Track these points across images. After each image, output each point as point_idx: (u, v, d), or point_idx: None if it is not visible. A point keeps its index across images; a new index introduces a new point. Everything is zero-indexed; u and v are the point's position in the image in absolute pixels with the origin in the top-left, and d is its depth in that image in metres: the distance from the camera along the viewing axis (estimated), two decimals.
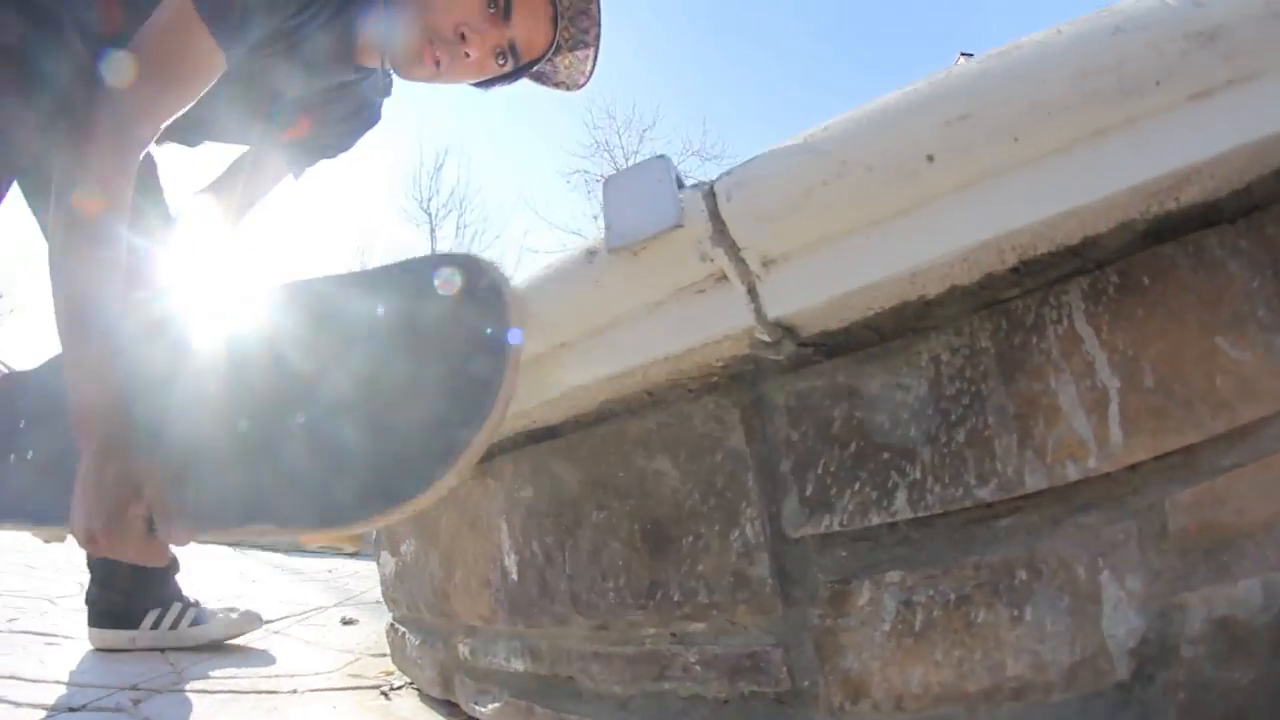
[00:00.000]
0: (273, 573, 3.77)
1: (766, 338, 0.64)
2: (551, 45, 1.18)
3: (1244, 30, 0.50)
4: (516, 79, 1.25)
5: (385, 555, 1.26)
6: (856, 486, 0.67)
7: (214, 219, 1.34)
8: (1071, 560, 0.59)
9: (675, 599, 0.73)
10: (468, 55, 1.12)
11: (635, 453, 0.78)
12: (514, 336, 0.67)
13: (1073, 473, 0.59)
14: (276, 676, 1.31)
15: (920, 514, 0.64)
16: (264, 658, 1.47)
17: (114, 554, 0.85)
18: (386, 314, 0.77)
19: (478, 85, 1.25)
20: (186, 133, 1.26)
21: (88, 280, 0.91)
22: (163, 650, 1.47)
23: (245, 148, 1.36)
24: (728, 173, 0.63)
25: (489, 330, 0.68)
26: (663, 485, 0.75)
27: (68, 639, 1.53)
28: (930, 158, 0.56)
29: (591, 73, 1.25)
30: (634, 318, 0.70)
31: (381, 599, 1.48)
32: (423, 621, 1.17)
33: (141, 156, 0.99)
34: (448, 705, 1.15)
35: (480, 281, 0.70)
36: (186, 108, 1.02)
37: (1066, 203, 0.55)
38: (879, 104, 0.59)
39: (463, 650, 1.05)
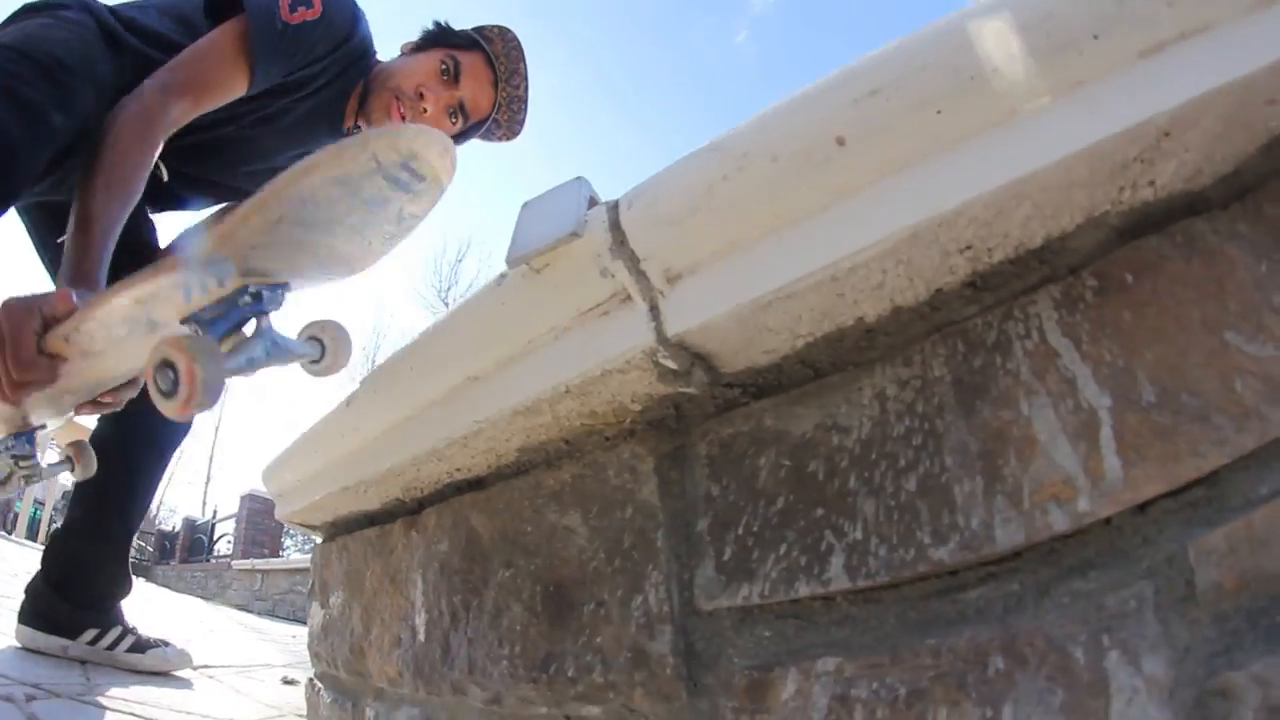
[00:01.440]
0: (234, 627, 3.67)
1: (672, 364, 0.55)
2: (494, 105, 1.47)
3: None
4: (468, 137, 1.51)
5: (315, 607, 1.16)
6: (783, 550, 0.56)
7: None
8: (1065, 640, 0.43)
9: (569, 674, 0.60)
10: (425, 111, 1.37)
11: (548, 506, 0.67)
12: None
13: (1059, 521, 0.45)
14: (188, 714, 1.20)
15: (862, 584, 0.51)
16: (184, 693, 1.39)
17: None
18: None
19: None
20: (183, 198, 1.48)
21: (106, 197, 1.03)
22: (84, 663, 1.42)
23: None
24: (630, 191, 0.55)
25: None
26: (570, 544, 0.65)
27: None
28: (841, 140, 0.47)
29: (524, 121, 1.54)
30: (540, 345, 0.62)
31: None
32: (339, 680, 1.06)
33: (168, 133, 1.13)
34: None
35: None
36: (210, 107, 1.18)
37: (1007, 174, 0.45)
38: (788, 96, 0.51)
39: (369, 714, 0.92)
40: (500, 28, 1.48)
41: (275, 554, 11.09)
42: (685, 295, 0.53)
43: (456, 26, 1.52)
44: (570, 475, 0.67)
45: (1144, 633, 0.42)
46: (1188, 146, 0.44)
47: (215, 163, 1.42)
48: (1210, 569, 0.41)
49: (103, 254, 1.01)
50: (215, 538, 14.76)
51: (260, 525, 11.67)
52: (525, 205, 0.61)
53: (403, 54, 1.49)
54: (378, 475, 0.83)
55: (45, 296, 0.88)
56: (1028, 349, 0.49)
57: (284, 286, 0.73)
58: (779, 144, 0.49)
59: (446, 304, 21.98)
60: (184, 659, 1.56)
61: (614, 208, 0.54)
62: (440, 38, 1.48)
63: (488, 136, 1.57)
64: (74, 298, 0.87)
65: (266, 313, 0.72)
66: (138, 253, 1.38)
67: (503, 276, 0.63)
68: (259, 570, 9.41)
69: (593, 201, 0.59)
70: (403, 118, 1.38)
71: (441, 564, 0.78)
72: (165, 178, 1.39)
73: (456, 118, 1.44)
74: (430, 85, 1.38)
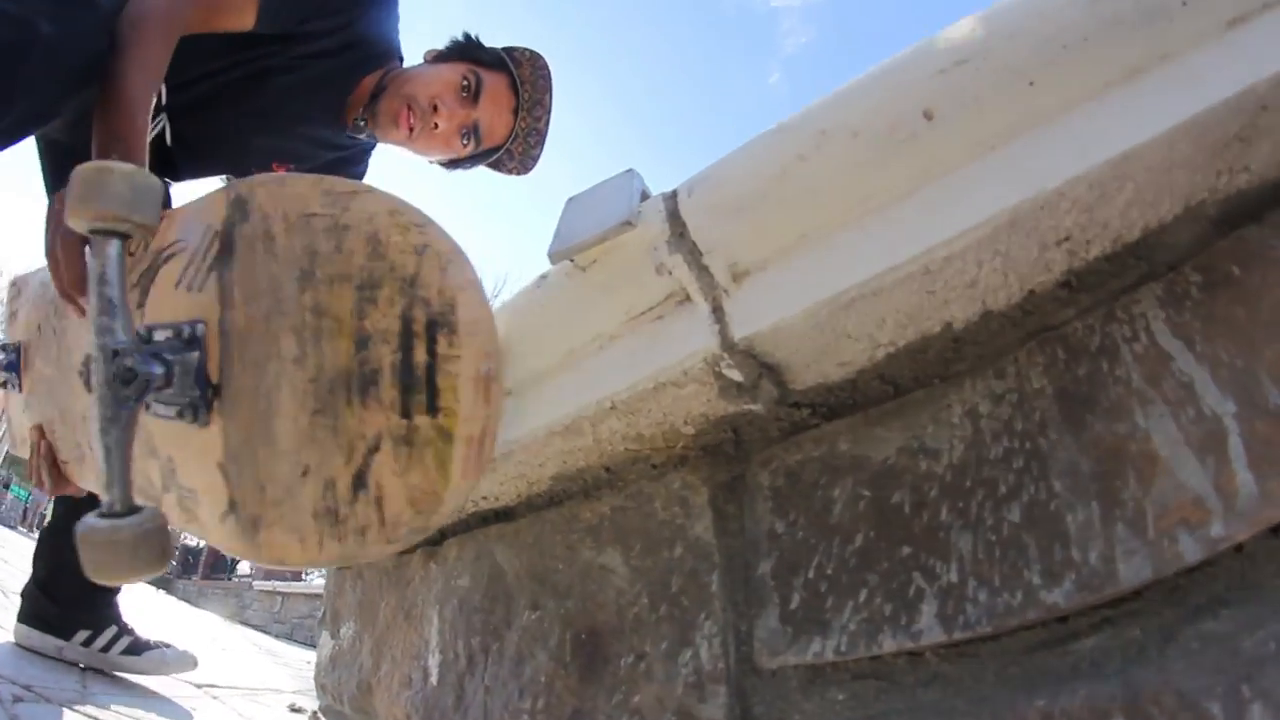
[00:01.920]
0: (248, 647, 3.59)
1: (738, 375, 0.47)
2: (511, 134, 1.36)
3: None
4: (478, 163, 1.42)
5: (325, 636, 1.08)
6: (863, 596, 0.47)
7: None
8: (1199, 695, 0.34)
9: None
10: (436, 126, 1.27)
11: (583, 542, 0.59)
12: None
13: (1190, 550, 0.37)
14: None
15: (958, 636, 0.43)
16: (181, 712, 1.33)
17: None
18: None
19: (444, 165, 1.43)
20: (180, 166, 1.39)
21: (141, 77, 1.00)
22: (83, 667, 1.38)
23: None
24: (687, 179, 0.48)
25: None
26: (608, 585, 0.56)
27: (2, 628, 1.49)
28: (928, 114, 0.41)
29: (538, 158, 1.42)
30: (583, 354, 0.54)
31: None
32: (344, 717, 0.97)
33: (176, 36, 1.08)
34: None
35: None
36: (213, 28, 1.12)
37: (1112, 148, 0.39)
38: (868, 71, 0.45)
39: None
40: (531, 52, 1.38)
41: (297, 577, 11.08)
42: (754, 294, 0.45)
43: (487, 43, 1.42)
44: (610, 507, 0.58)
45: None
46: None
47: (212, 123, 1.34)
48: None
49: (135, 120, 0.97)
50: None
51: None
52: (571, 199, 0.55)
53: (425, 61, 1.40)
54: None
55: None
56: (1137, 353, 0.42)
57: (207, 387, 0.66)
58: (859, 119, 0.42)
59: None
60: (185, 661, 1.50)
61: (672, 196, 0.47)
62: (467, 51, 1.38)
63: (498, 167, 1.47)
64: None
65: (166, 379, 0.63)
66: None
67: (543, 277, 0.56)
68: (280, 592, 9.42)
69: (645, 196, 0.52)
70: (411, 129, 1.29)
71: (461, 601, 0.70)
72: (168, 140, 1.33)
73: (469, 140, 1.34)
74: (447, 99, 1.29)
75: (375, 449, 0.56)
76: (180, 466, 0.72)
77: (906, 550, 0.46)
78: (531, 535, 0.65)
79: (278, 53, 1.23)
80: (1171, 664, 0.37)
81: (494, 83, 1.33)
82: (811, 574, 0.49)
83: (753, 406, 0.49)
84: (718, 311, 0.46)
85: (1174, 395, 0.39)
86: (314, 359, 0.60)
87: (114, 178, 0.60)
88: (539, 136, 1.39)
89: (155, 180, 0.63)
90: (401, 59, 1.40)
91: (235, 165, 1.43)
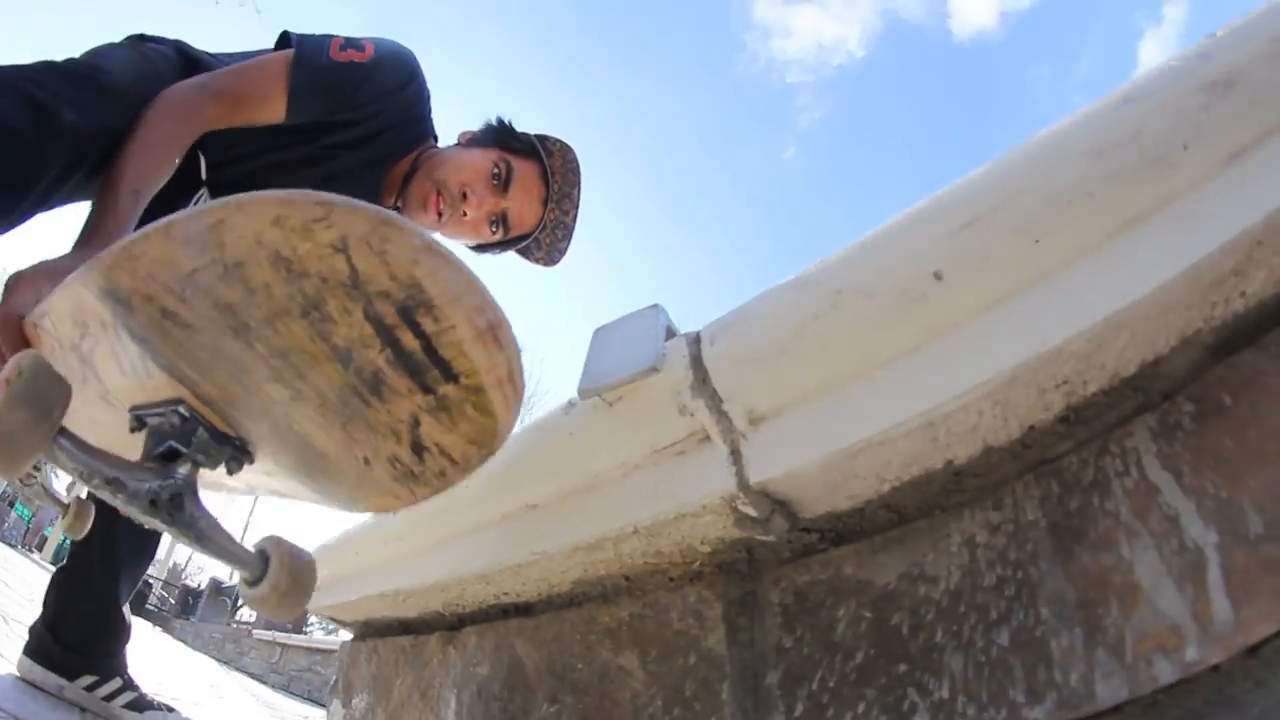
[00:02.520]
0: (246, 698, 3.54)
1: (752, 511, 0.52)
2: (540, 224, 1.37)
3: (1260, 72, 0.40)
4: (505, 249, 1.42)
5: (336, 705, 1.10)
6: (861, 708, 0.51)
7: None
8: None
9: None
10: (465, 215, 1.29)
11: (601, 644, 0.63)
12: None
13: (1165, 673, 0.41)
14: None
15: None
16: None
17: None
18: None
19: (471, 248, 1.42)
20: None
21: (138, 162, 1.00)
22: (82, 710, 1.39)
23: None
24: (713, 322, 0.54)
25: None
26: (625, 686, 0.60)
27: (1, 657, 1.50)
28: (938, 275, 0.46)
29: (565, 251, 1.44)
30: (608, 480, 0.59)
31: None
32: None
33: (197, 132, 1.11)
34: None
35: None
36: (243, 122, 1.16)
37: (1109, 306, 0.43)
38: (879, 228, 0.50)
39: None
40: (563, 144, 1.38)
41: (299, 630, 10.93)
42: (770, 439, 0.50)
43: (519, 129, 1.43)
44: (629, 614, 0.63)
45: None
46: (1278, 251, 0.42)
47: None
48: None
49: (128, 215, 0.95)
50: (240, 602, 14.78)
51: None
52: (598, 331, 0.60)
53: (459, 143, 1.41)
54: (419, 588, 0.79)
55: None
56: (1127, 487, 0.46)
57: (232, 442, 0.61)
58: (873, 280, 0.47)
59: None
60: None
61: (695, 341, 0.53)
62: (500, 137, 1.39)
63: (525, 254, 1.47)
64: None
65: (193, 461, 0.59)
66: None
67: (571, 404, 0.61)
68: (279, 643, 9.26)
69: (670, 332, 0.57)
70: (440, 215, 1.31)
71: (480, 687, 0.73)
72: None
73: (497, 228, 1.35)
74: (477, 187, 1.30)
75: (417, 423, 0.55)
76: (262, 488, 0.75)
77: (903, 668, 0.50)
78: (551, 632, 0.69)
79: (308, 142, 1.27)
80: None
81: (525, 171, 1.34)
82: (815, 686, 0.53)
83: (765, 537, 0.54)
84: (735, 454, 0.51)
85: (1159, 528, 0.44)
86: (310, 391, 0.56)
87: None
88: (566, 230, 1.40)
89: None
90: (436, 138, 1.42)
91: None
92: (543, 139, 1.37)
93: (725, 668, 0.56)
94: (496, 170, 1.31)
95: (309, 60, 1.16)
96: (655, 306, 0.58)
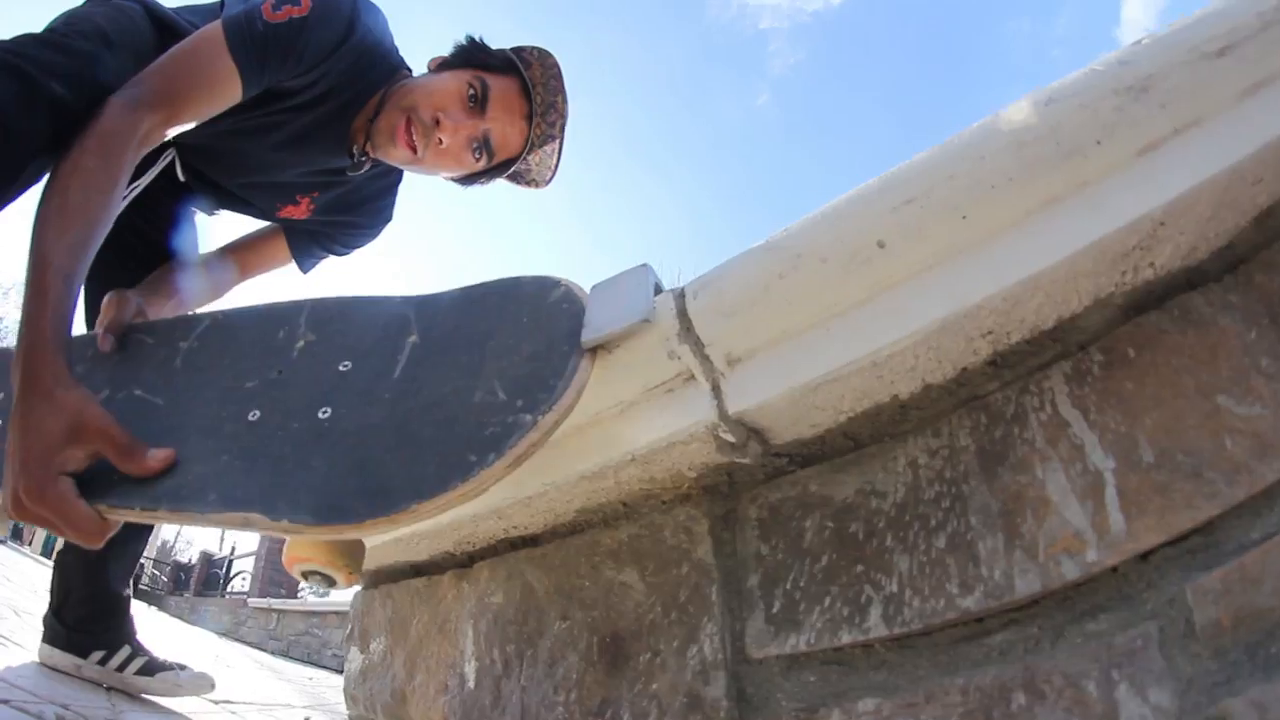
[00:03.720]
0: (250, 664, 3.65)
1: (731, 438, 0.62)
2: (527, 143, 1.25)
3: (1174, 78, 0.49)
4: (494, 177, 1.31)
5: (354, 651, 1.20)
6: (827, 603, 0.62)
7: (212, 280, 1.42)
8: (1080, 676, 0.49)
9: (625, 719, 0.67)
10: (441, 142, 1.17)
11: (605, 563, 0.74)
12: (586, 334, 0.64)
13: (1070, 570, 0.52)
14: None
15: (898, 630, 0.58)
16: None
17: (39, 522, 0.70)
18: (447, 320, 0.75)
19: (458, 181, 1.34)
20: (206, 200, 1.39)
21: (60, 230, 0.85)
22: (107, 688, 1.45)
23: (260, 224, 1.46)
24: (695, 278, 0.63)
25: (561, 325, 0.66)
26: (627, 598, 0.71)
27: (19, 646, 1.56)
28: (881, 244, 0.56)
29: (556, 166, 1.31)
30: (607, 417, 0.69)
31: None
32: None
33: (139, 152, 0.99)
34: None
35: (555, 290, 0.71)
36: (196, 117, 1.08)
37: (1022, 271, 0.53)
38: (834, 201, 0.59)
39: None
40: (540, 51, 1.24)
41: (292, 595, 10.98)
42: (744, 377, 0.60)
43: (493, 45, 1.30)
44: (627, 535, 0.73)
45: (1150, 667, 0.48)
46: (1182, 230, 0.52)
47: (218, 167, 1.30)
48: (1208, 608, 0.47)
49: (63, 309, 0.81)
50: (231, 574, 14.55)
51: (279, 565, 11.58)
52: (595, 288, 0.69)
53: (429, 70, 1.29)
54: (431, 529, 0.89)
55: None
56: (1042, 420, 0.57)
57: None
58: (827, 247, 0.57)
59: None
60: (201, 683, 1.56)
61: (680, 296, 0.62)
62: (471, 56, 1.26)
63: (515, 180, 1.36)
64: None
65: None
66: (147, 259, 1.36)
67: None
68: (275, 610, 9.40)
69: (658, 288, 0.67)
70: (412, 148, 1.18)
71: (495, 615, 0.83)
72: (181, 177, 1.31)
73: (480, 153, 1.23)
74: (451, 111, 1.18)
75: None
76: None
77: (860, 568, 0.61)
78: (559, 558, 0.79)
79: (264, 108, 1.18)
80: (1061, 654, 0.52)
81: (503, 88, 1.22)
82: (788, 586, 0.64)
83: (742, 459, 0.64)
84: (716, 390, 0.61)
85: (1067, 454, 0.55)
86: None
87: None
88: (554, 143, 1.29)
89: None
90: (409, 70, 1.31)
91: (245, 205, 1.40)
92: (519, 51, 1.25)
93: (713, 574, 0.67)
94: (472, 90, 1.19)
95: (245, 30, 1.06)
96: (644, 266, 0.68)
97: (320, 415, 0.69)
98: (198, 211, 1.45)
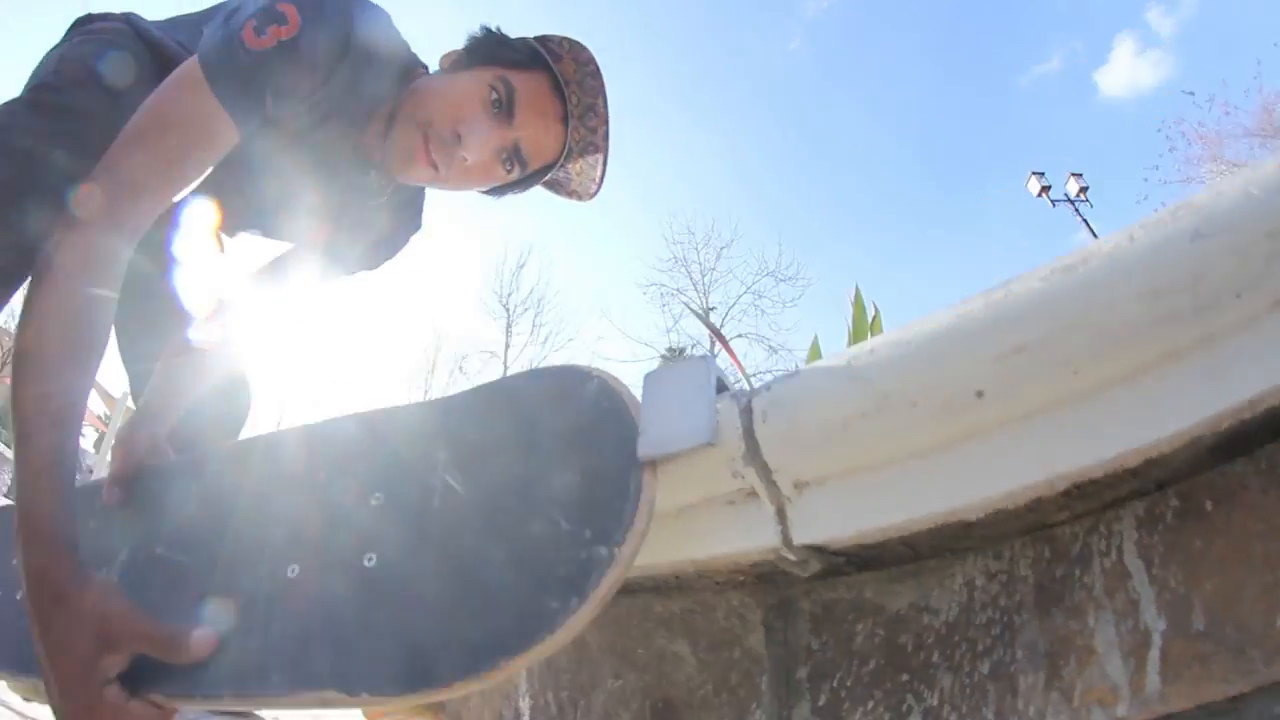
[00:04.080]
0: None
1: (792, 557, 0.64)
2: (564, 148, 1.09)
3: None
4: (528, 186, 1.17)
5: None
6: (870, 705, 0.66)
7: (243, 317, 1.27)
8: None
9: None
10: (466, 160, 1.03)
11: (657, 631, 0.77)
12: (643, 446, 0.61)
13: (1099, 719, 0.55)
14: None
15: None
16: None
17: None
18: (475, 432, 0.71)
19: (488, 193, 1.20)
20: (230, 221, 1.27)
21: (41, 399, 0.76)
22: None
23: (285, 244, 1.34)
24: (765, 387, 0.63)
25: (609, 432, 0.63)
26: (680, 669, 0.75)
27: None
28: (980, 394, 0.53)
29: (602, 179, 1.16)
30: (666, 516, 0.69)
31: None
32: None
33: (130, 248, 0.88)
34: None
35: (587, 385, 0.66)
36: (194, 180, 0.94)
37: (1128, 443, 0.51)
38: (930, 327, 0.56)
39: None
40: (571, 42, 1.06)
41: None
42: (812, 506, 0.60)
43: (513, 34, 1.12)
44: (680, 609, 0.76)
45: None
46: None
47: (220, 202, 1.20)
48: None
49: (61, 493, 0.73)
50: None
51: None
52: (649, 380, 0.65)
53: (442, 68, 1.14)
54: None
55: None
56: (1105, 567, 0.57)
57: None
58: (919, 391, 0.55)
59: (507, 309, 22.34)
60: None
61: (747, 412, 0.62)
62: (490, 51, 1.09)
63: (555, 189, 1.21)
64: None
65: None
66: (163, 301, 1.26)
67: None
68: None
69: (720, 384, 0.67)
70: (434, 166, 1.04)
71: (549, 660, 0.89)
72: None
73: (512, 165, 1.08)
74: (473, 122, 1.02)
75: None
76: None
77: (905, 677, 0.64)
78: (610, 616, 0.82)
79: (265, 136, 1.04)
80: None
81: (531, 88, 1.06)
82: (835, 683, 0.67)
83: (801, 573, 0.67)
84: (781, 513, 0.61)
85: (1122, 608, 0.55)
86: None
87: None
88: (596, 150, 1.12)
89: None
90: (425, 67, 1.17)
91: (269, 234, 1.30)
92: (544, 41, 1.07)
93: (764, 663, 0.70)
94: (495, 94, 1.03)
95: (227, 64, 0.91)
96: (705, 362, 0.66)
97: (366, 563, 0.66)
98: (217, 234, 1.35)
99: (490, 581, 0.60)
